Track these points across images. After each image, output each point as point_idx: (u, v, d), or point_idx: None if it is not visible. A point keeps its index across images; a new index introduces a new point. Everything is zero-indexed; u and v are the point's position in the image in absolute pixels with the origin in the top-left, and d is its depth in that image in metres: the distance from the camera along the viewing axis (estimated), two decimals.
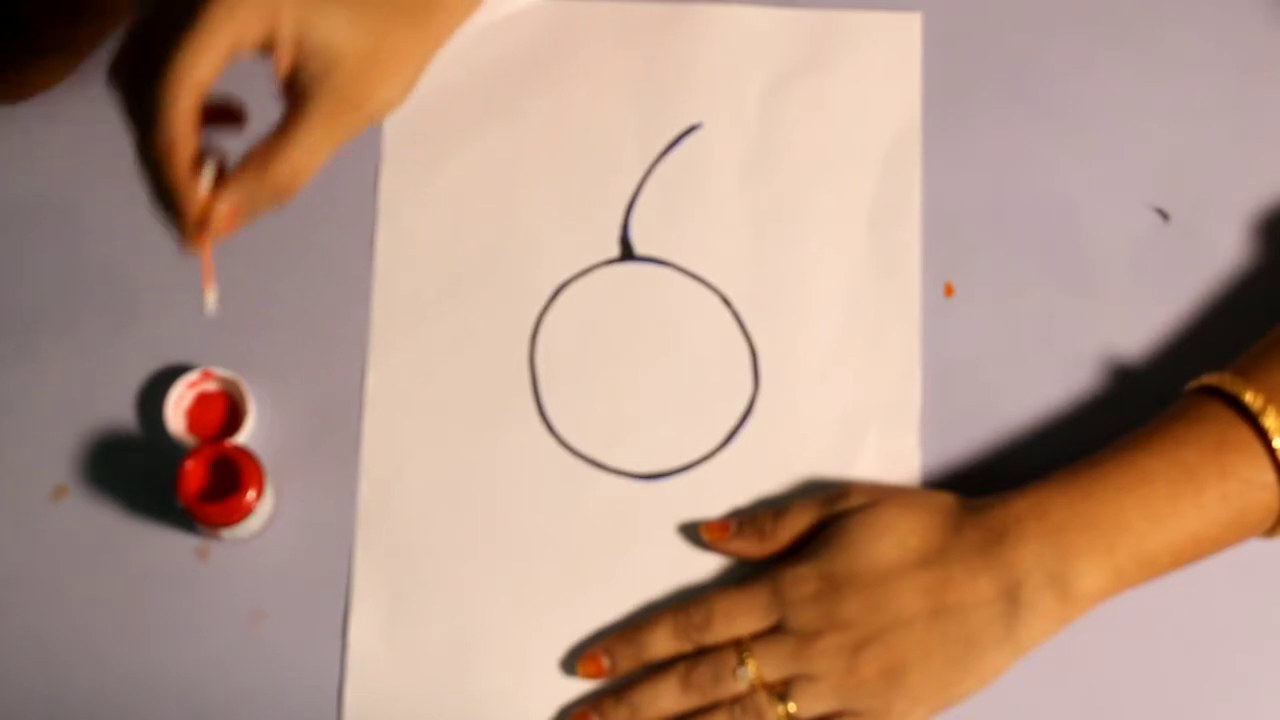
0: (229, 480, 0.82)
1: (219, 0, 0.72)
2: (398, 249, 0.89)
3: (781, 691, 0.80)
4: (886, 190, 0.90)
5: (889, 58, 0.91)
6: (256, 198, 0.74)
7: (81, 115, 0.90)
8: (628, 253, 0.89)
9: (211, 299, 0.78)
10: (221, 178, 0.75)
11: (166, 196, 0.74)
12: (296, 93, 0.75)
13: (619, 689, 0.83)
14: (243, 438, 0.86)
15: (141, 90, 0.73)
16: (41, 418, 0.86)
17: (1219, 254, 0.89)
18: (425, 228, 0.89)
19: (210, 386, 0.86)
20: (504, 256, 0.89)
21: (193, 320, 0.87)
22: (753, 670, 0.81)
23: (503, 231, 0.89)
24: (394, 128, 0.90)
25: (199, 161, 0.74)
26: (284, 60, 0.74)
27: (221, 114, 0.78)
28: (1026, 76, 0.91)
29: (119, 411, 0.87)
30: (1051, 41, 0.91)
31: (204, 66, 0.72)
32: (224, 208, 0.74)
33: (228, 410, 0.87)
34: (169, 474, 0.82)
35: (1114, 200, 0.90)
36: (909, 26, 0.91)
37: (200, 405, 0.86)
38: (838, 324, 0.88)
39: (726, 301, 0.89)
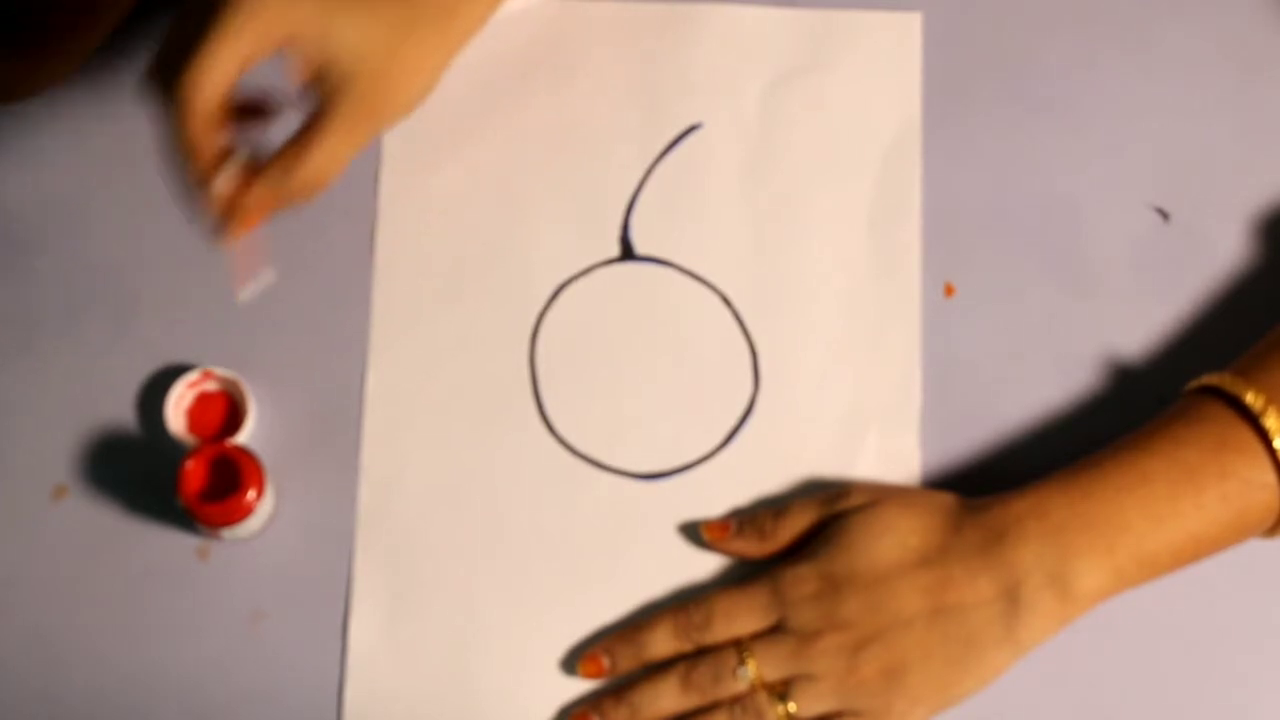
0: (229, 480, 0.82)
1: (239, 4, 0.73)
2: (398, 249, 0.89)
3: (781, 691, 0.80)
4: (886, 190, 0.90)
5: (889, 58, 0.91)
6: (282, 196, 0.76)
7: (83, 115, 0.90)
8: (628, 253, 0.89)
9: (244, 292, 0.81)
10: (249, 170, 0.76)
11: (189, 192, 0.75)
12: (320, 94, 0.76)
13: (619, 689, 0.83)
14: (243, 438, 0.86)
15: (168, 92, 0.74)
16: (41, 418, 0.86)
17: (1219, 254, 0.89)
18: (425, 228, 0.89)
19: (210, 386, 0.86)
20: (504, 256, 0.89)
21: (193, 320, 0.88)
22: (753, 670, 0.81)
23: (503, 231, 0.89)
24: (394, 128, 0.90)
25: (222, 158, 0.75)
26: (304, 64, 0.75)
27: (251, 109, 0.78)
28: (1026, 76, 0.91)
29: (119, 411, 0.87)
30: (1051, 41, 0.91)
31: (222, 69, 0.73)
32: (248, 205, 0.75)
33: (228, 410, 0.87)
34: (169, 474, 0.82)
35: (1114, 200, 0.90)
36: (909, 26, 0.92)
37: (200, 405, 0.87)
38: (838, 324, 0.88)
39: (726, 301, 0.89)
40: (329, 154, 0.76)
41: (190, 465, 0.82)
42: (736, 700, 0.81)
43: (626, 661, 0.83)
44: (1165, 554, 0.80)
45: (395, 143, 0.90)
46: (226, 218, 0.76)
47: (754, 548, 0.84)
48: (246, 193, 0.75)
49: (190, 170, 0.75)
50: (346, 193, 0.89)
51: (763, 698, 0.80)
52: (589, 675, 0.84)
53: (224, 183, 0.75)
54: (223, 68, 0.73)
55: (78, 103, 0.90)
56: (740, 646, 0.81)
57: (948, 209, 0.90)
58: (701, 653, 0.82)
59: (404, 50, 0.76)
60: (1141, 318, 0.88)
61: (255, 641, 0.84)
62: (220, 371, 0.86)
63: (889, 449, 0.87)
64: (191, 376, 0.86)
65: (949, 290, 0.89)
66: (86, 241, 0.89)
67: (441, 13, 0.79)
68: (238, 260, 0.77)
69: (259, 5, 0.73)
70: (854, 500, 0.83)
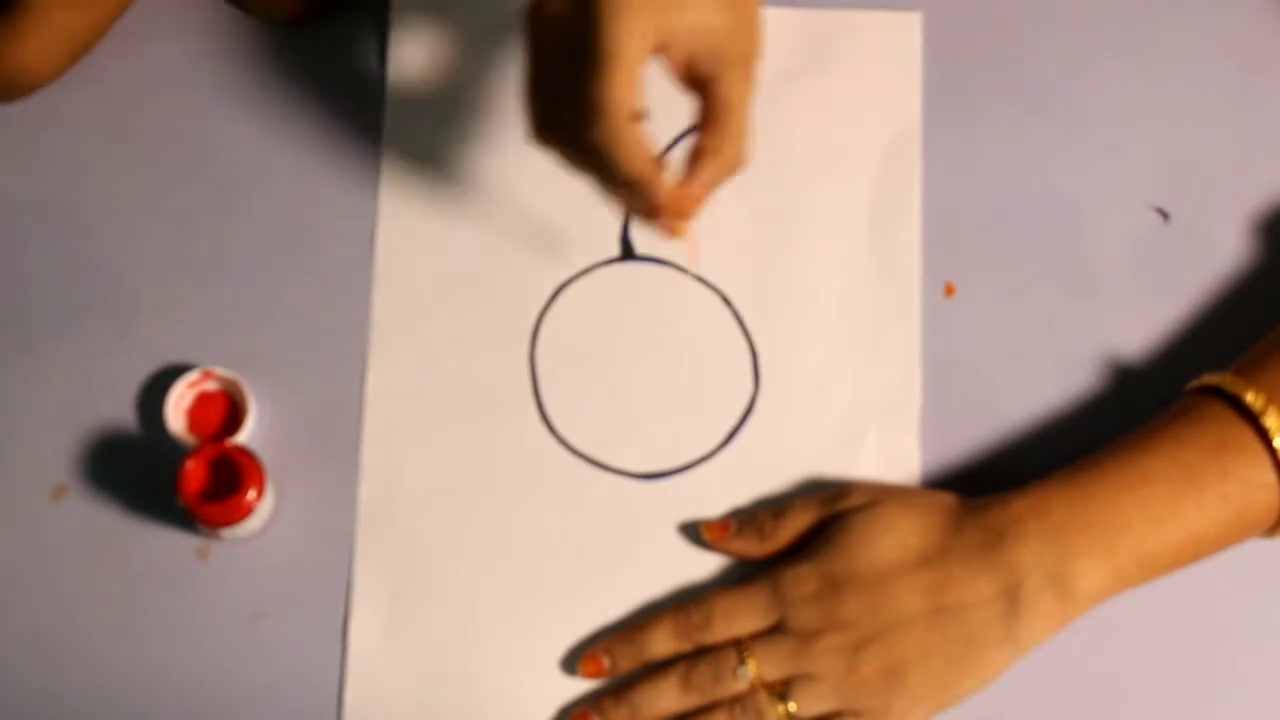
0: (229, 480, 0.82)
1: (614, 26, 0.73)
2: (398, 249, 0.89)
3: (781, 691, 0.80)
4: (886, 190, 0.90)
5: (889, 58, 0.91)
6: (720, 177, 0.78)
7: (81, 115, 0.90)
8: (628, 252, 0.89)
9: (700, 263, 0.88)
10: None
11: (645, 207, 0.77)
12: (702, 76, 0.77)
13: (619, 689, 0.83)
14: (243, 438, 0.86)
15: (580, 140, 0.75)
16: (41, 418, 0.86)
17: (1219, 254, 0.89)
18: (425, 228, 0.89)
19: (210, 386, 0.86)
20: (504, 256, 0.89)
21: (193, 320, 0.88)
22: (753, 670, 0.81)
23: (503, 231, 0.89)
24: (394, 128, 0.90)
25: (658, 165, 0.77)
26: (679, 56, 0.76)
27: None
28: (1026, 76, 0.91)
29: (119, 411, 0.87)
30: (1051, 41, 0.91)
31: (629, 94, 0.74)
32: (697, 196, 0.78)
33: (228, 410, 0.87)
34: (169, 474, 0.82)
35: (1114, 200, 0.90)
36: (909, 26, 0.92)
37: (200, 405, 0.87)
38: (838, 324, 0.88)
39: (726, 301, 0.89)
40: (742, 119, 0.77)
41: (190, 465, 0.82)
42: (736, 700, 0.81)
43: (626, 661, 0.83)
44: (1165, 554, 0.80)
45: (395, 143, 0.90)
46: (681, 212, 0.77)
47: (754, 548, 0.85)
48: (690, 185, 0.77)
49: (649, 194, 0.76)
50: (346, 193, 0.89)
51: (763, 697, 0.80)
52: (589, 675, 0.84)
53: (670, 184, 0.77)
54: (631, 92, 0.74)
55: (78, 103, 0.90)
56: (740, 646, 0.81)
57: (948, 209, 0.90)
58: (701, 652, 0.82)
59: (735, 6, 0.77)
60: (1141, 318, 0.88)
61: (255, 641, 0.84)
62: (220, 371, 0.86)
63: (889, 449, 0.87)
64: (191, 376, 0.86)
65: (949, 290, 0.89)
66: (86, 241, 0.89)
67: None
68: (691, 240, 0.80)
69: (641, 14, 0.74)
70: (854, 500, 0.84)
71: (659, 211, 0.77)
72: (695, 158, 0.77)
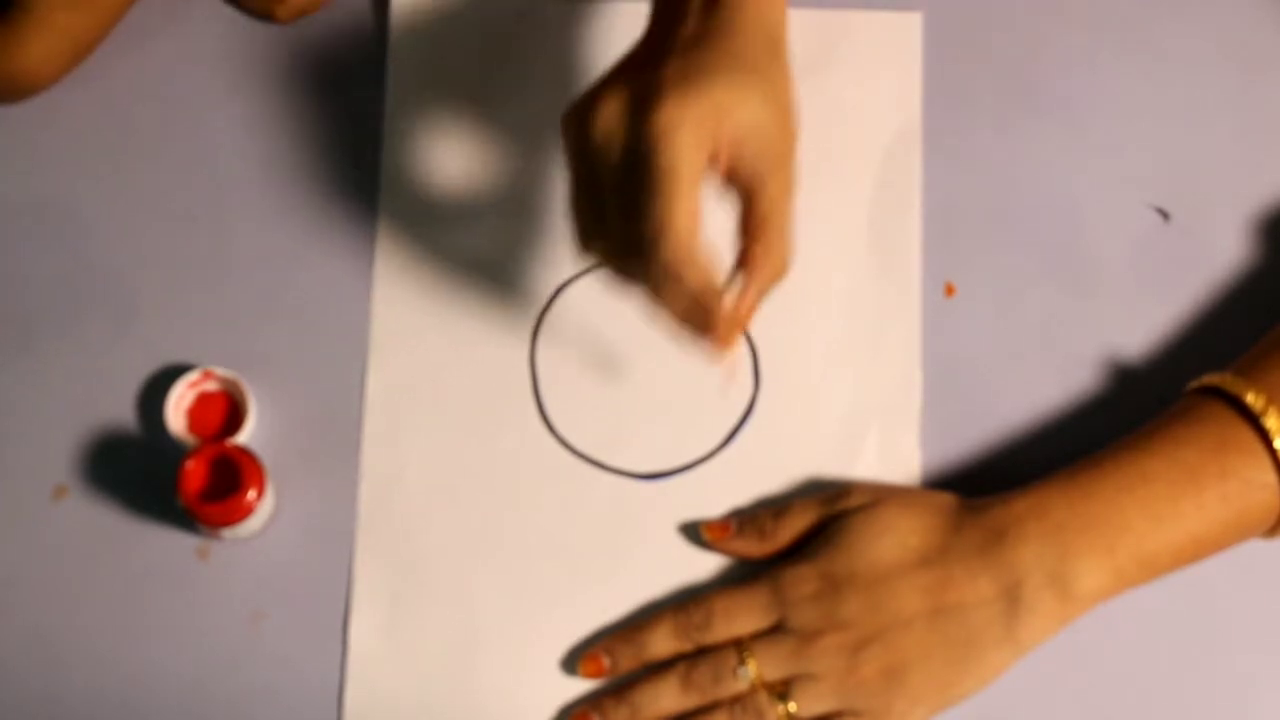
0: (229, 480, 0.82)
1: (675, 144, 0.71)
2: (398, 249, 0.89)
3: (782, 691, 0.80)
4: (886, 190, 0.90)
5: (889, 58, 0.91)
6: (771, 285, 0.76)
7: (81, 115, 0.90)
8: None
9: (733, 385, 0.86)
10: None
11: (701, 323, 0.74)
12: (747, 180, 0.74)
13: (619, 689, 0.83)
14: (243, 438, 0.86)
15: (640, 259, 0.73)
16: (41, 418, 0.86)
17: (1219, 254, 0.89)
18: (425, 228, 0.89)
19: (210, 386, 0.86)
20: (504, 257, 0.89)
21: (193, 320, 0.88)
22: (753, 670, 0.81)
23: (503, 232, 0.89)
24: (394, 128, 0.90)
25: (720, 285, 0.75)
26: (724, 159, 0.74)
27: None
28: (1027, 76, 0.91)
29: (119, 411, 0.87)
30: (1052, 41, 0.91)
31: (694, 213, 0.72)
32: (751, 309, 0.75)
33: (228, 410, 0.87)
34: (169, 474, 0.82)
35: (1114, 200, 0.90)
36: (909, 26, 0.91)
37: (200, 405, 0.87)
38: (838, 324, 0.88)
39: None
40: (788, 226, 0.75)
41: (190, 465, 0.82)
42: (737, 700, 0.81)
43: (627, 661, 0.83)
44: (1165, 554, 0.80)
45: (395, 143, 0.90)
46: (736, 327, 0.75)
47: (754, 548, 0.85)
48: (744, 299, 0.75)
49: (717, 312, 0.73)
50: (346, 193, 0.89)
51: (763, 697, 0.80)
52: (589, 675, 0.84)
53: (728, 304, 0.75)
54: (696, 200, 0.72)
55: (77, 103, 0.90)
56: (740, 646, 0.81)
57: (948, 209, 0.90)
58: (702, 652, 0.82)
59: (782, 96, 0.75)
60: (1141, 318, 0.88)
61: (255, 641, 0.84)
62: (220, 371, 0.86)
63: (889, 449, 0.87)
64: (191, 376, 0.86)
65: (949, 290, 0.89)
66: (86, 241, 0.89)
67: (778, 41, 0.77)
68: (730, 360, 0.78)
69: (698, 127, 0.71)
70: (854, 500, 0.84)
71: (715, 329, 0.74)
72: (745, 269, 0.75)
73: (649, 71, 0.74)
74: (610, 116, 0.73)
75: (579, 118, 0.75)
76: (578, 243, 0.77)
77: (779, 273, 0.76)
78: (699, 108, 0.72)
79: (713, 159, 0.74)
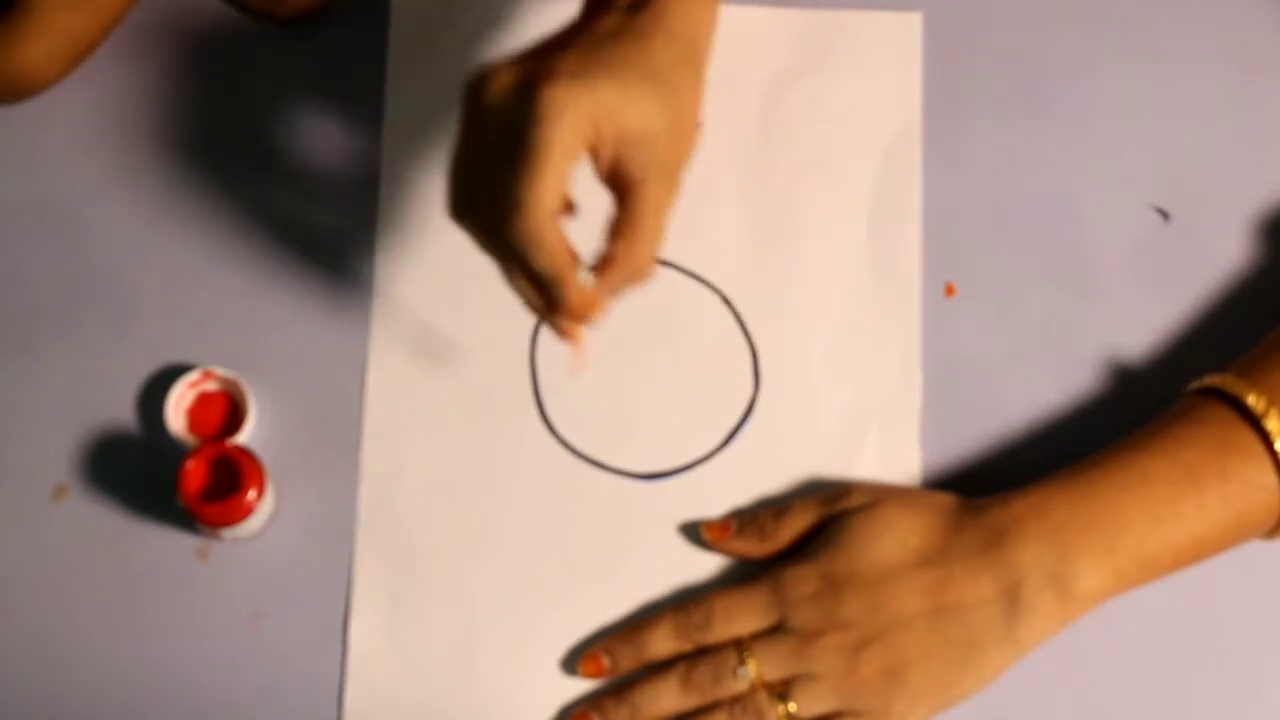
0: (229, 480, 0.82)
1: (550, 126, 0.72)
2: (398, 249, 0.89)
3: (782, 691, 0.80)
4: (886, 190, 0.90)
5: (889, 58, 0.91)
6: (624, 285, 0.76)
7: (81, 115, 0.90)
8: None
9: (585, 372, 0.85)
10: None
11: (549, 303, 0.76)
12: (625, 181, 0.75)
13: (619, 689, 0.83)
14: (243, 438, 0.86)
15: (499, 230, 0.74)
16: (41, 418, 0.86)
17: (1219, 254, 0.89)
18: (425, 227, 0.89)
19: (210, 386, 0.86)
20: None
21: (193, 320, 0.88)
22: (753, 670, 0.81)
23: None
24: (394, 128, 0.90)
25: (574, 266, 0.76)
26: (606, 154, 0.75)
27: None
28: (1027, 76, 0.91)
29: (119, 411, 0.87)
30: (1052, 41, 0.91)
31: (555, 194, 0.73)
32: (602, 302, 0.76)
33: (228, 410, 0.87)
34: (169, 474, 0.82)
35: (1114, 200, 0.90)
36: (909, 26, 0.92)
37: (200, 405, 0.87)
38: (838, 324, 0.88)
39: (726, 301, 0.89)
40: (655, 230, 0.76)
41: (190, 465, 0.82)
42: (737, 700, 0.81)
43: (627, 661, 0.83)
44: (1166, 555, 0.80)
45: (395, 143, 0.90)
46: (583, 315, 0.76)
47: (754, 548, 0.85)
48: (596, 294, 0.76)
49: (559, 290, 0.75)
50: (347, 193, 0.89)
51: (763, 697, 0.80)
52: (589, 675, 0.84)
53: (581, 285, 0.76)
54: (556, 191, 0.73)
55: (77, 103, 0.90)
56: (740, 646, 0.81)
57: (948, 209, 0.90)
58: (702, 652, 0.82)
59: (682, 107, 0.76)
60: (1141, 318, 0.88)
61: (255, 641, 0.84)
62: (220, 371, 0.86)
63: (889, 449, 0.87)
64: (191, 376, 0.86)
65: (949, 290, 0.89)
66: (86, 241, 0.89)
67: (692, 52, 0.78)
68: (582, 347, 0.79)
69: (577, 116, 0.73)
70: (854, 500, 0.84)
71: (563, 312, 0.76)
72: (603, 265, 0.76)
73: (554, 55, 0.75)
74: (502, 88, 0.74)
75: (476, 85, 0.76)
76: (450, 208, 0.77)
77: (637, 275, 0.76)
78: (585, 100, 0.73)
79: (594, 155, 0.74)
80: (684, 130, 0.76)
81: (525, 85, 0.74)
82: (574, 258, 0.75)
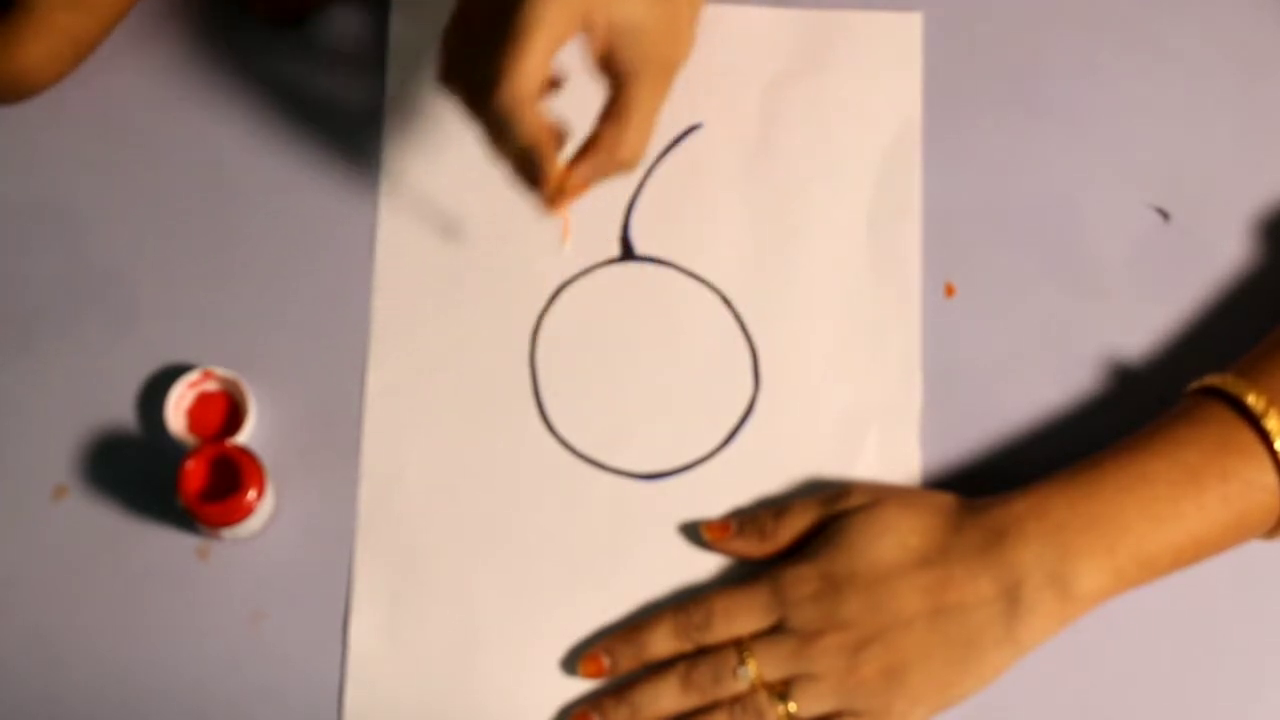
0: (229, 480, 0.82)
1: (538, 6, 0.75)
2: (398, 249, 0.89)
3: (782, 691, 0.80)
4: (886, 190, 0.90)
5: (889, 58, 0.91)
6: (608, 171, 0.79)
7: (81, 115, 0.90)
8: (628, 253, 0.89)
9: (569, 243, 0.88)
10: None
11: (529, 177, 0.79)
12: (617, 71, 0.78)
13: (619, 688, 0.83)
14: (243, 438, 0.86)
15: (482, 99, 0.77)
16: (41, 418, 0.86)
17: (1219, 254, 0.89)
18: (425, 228, 0.89)
19: (210, 386, 0.86)
20: (504, 256, 0.89)
21: (193, 320, 0.88)
22: (753, 670, 0.81)
23: (503, 231, 0.89)
24: (394, 128, 0.90)
25: (556, 140, 0.79)
26: (598, 43, 0.78)
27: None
28: (1027, 76, 0.91)
29: (119, 411, 0.87)
30: (1052, 41, 0.91)
31: (538, 71, 0.76)
32: (579, 183, 0.79)
33: (228, 410, 0.87)
34: (169, 474, 0.82)
35: (1114, 200, 0.90)
36: (909, 26, 0.92)
37: (200, 405, 0.87)
38: (838, 324, 0.88)
39: (726, 301, 0.89)
40: (645, 120, 0.79)
41: (190, 465, 0.82)
42: (737, 700, 0.81)
43: (627, 661, 0.83)
44: (1166, 555, 0.80)
45: (396, 143, 0.90)
46: (561, 194, 0.79)
47: (754, 548, 0.85)
48: (575, 173, 0.79)
49: (535, 162, 0.78)
50: (346, 192, 0.89)
51: (763, 697, 0.80)
52: (589, 675, 0.84)
53: (559, 163, 0.79)
54: (539, 68, 0.76)
55: (77, 103, 0.90)
56: (740, 646, 0.81)
57: (948, 209, 0.90)
58: (702, 652, 0.82)
59: (672, 8, 0.79)
60: (1141, 318, 0.88)
61: (255, 641, 0.84)
62: (220, 371, 0.86)
63: (889, 449, 0.87)
64: (191, 376, 0.86)
65: (949, 290, 0.89)
66: (86, 241, 0.89)
67: None
68: (565, 219, 0.84)
69: (566, 7, 0.75)
70: (854, 500, 0.84)
71: (540, 184, 0.78)
72: (587, 148, 0.79)
73: None
74: None
75: None
76: (438, 73, 0.80)
77: (624, 163, 0.79)
78: None
79: (587, 42, 0.77)
80: (677, 31, 0.80)
81: None
82: (556, 136, 0.78)
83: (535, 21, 0.75)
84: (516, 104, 0.76)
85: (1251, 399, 0.80)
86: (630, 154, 0.79)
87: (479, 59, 0.77)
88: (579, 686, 0.84)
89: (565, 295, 0.89)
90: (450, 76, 0.79)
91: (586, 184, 0.80)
